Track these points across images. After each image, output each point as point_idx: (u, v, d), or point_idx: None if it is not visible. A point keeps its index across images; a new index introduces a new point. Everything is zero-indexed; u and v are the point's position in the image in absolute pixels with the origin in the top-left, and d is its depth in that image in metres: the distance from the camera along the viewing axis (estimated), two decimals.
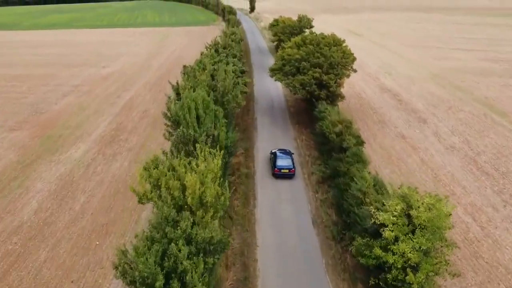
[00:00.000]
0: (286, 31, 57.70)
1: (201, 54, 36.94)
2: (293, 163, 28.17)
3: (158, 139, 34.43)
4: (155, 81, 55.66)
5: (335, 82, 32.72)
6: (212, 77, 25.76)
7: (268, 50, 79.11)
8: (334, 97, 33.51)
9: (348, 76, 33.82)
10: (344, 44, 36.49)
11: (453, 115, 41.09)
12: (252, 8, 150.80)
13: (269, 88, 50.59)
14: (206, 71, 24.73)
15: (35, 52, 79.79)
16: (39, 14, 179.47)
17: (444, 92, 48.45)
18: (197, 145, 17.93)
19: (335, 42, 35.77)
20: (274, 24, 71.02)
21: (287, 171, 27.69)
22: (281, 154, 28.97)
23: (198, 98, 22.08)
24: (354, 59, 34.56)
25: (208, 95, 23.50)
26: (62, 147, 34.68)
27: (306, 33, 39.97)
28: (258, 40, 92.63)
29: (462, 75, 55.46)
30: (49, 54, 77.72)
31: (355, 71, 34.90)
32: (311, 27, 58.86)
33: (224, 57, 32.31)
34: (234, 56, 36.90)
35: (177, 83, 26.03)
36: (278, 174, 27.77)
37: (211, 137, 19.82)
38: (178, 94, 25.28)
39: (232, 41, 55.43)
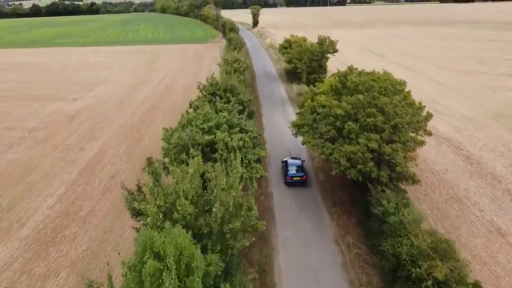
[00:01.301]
0: (304, 58, 46.32)
1: (191, 105, 25.15)
2: (304, 171, 28.92)
3: (122, 235, 22.83)
4: (134, 124, 43.90)
5: (404, 157, 20.82)
6: (204, 176, 13.86)
7: (277, 75, 67.73)
8: (400, 178, 21.53)
9: (422, 144, 21.95)
10: (406, 89, 24.78)
11: None
12: (255, 23, 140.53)
13: (283, 135, 38.65)
14: (191, 170, 12.84)
15: None
16: (25, 29, 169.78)
17: None
18: None
19: (394, 87, 24.02)
20: (286, 46, 59.74)
21: (299, 178, 28.47)
22: (292, 162, 29.75)
23: (169, 251, 10.26)
24: (430, 116, 22.71)
25: (195, 235, 11.55)
26: None
27: (343, 69, 28.21)
28: (264, 61, 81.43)
29: None
30: (11, 81, 66.28)
31: (430, 134, 23.00)
32: (335, 51, 47.53)
33: (225, 116, 20.50)
34: (241, 109, 24.99)
35: (139, 188, 14.17)
36: (290, 182, 28.55)
37: None
38: (138, 211, 13.36)
39: (235, 71, 44.02)
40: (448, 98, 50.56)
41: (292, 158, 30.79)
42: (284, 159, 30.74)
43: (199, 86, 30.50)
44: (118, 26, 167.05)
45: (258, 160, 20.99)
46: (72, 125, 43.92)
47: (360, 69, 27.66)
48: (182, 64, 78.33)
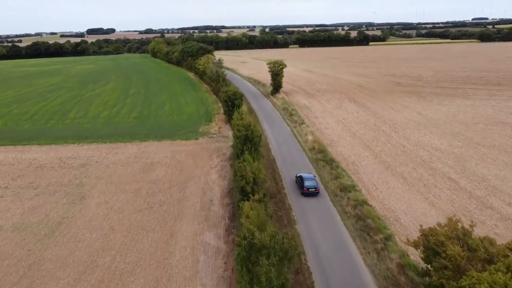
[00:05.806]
0: None
1: None
2: (317, 183, 41.11)
3: None
4: None
5: None
6: None
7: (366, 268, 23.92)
8: None
9: None
10: None
11: None
12: (277, 87, 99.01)
13: None
14: None
15: None
16: None
17: None
18: None
19: None
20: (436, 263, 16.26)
21: (314, 190, 40.25)
22: (307, 176, 41.61)
23: None
24: None
25: None
26: None
27: None
28: (324, 214, 37.76)
29: None
30: None
31: None
32: None
33: None
34: None
35: None
36: (306, 192, 40.19)
37: None
38: None
39: None
40: None
41: (305, 173, 43.09)
42: (298, 174, 42.98)
43: None
44: (73, 88, 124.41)
45: None
46: None
47: None
48: (131, 231, 34.75)
